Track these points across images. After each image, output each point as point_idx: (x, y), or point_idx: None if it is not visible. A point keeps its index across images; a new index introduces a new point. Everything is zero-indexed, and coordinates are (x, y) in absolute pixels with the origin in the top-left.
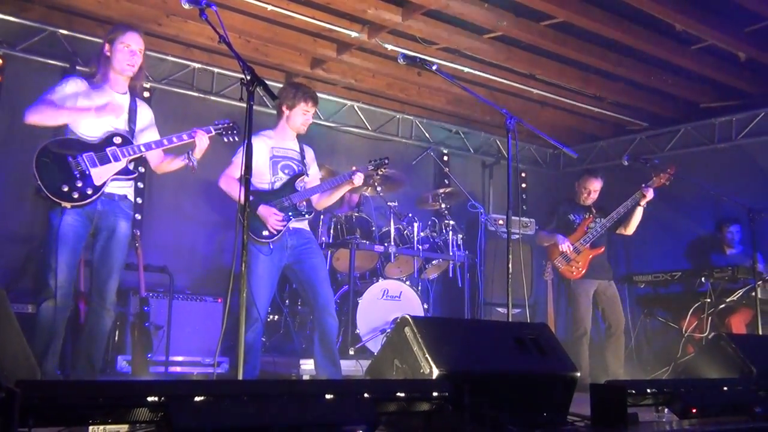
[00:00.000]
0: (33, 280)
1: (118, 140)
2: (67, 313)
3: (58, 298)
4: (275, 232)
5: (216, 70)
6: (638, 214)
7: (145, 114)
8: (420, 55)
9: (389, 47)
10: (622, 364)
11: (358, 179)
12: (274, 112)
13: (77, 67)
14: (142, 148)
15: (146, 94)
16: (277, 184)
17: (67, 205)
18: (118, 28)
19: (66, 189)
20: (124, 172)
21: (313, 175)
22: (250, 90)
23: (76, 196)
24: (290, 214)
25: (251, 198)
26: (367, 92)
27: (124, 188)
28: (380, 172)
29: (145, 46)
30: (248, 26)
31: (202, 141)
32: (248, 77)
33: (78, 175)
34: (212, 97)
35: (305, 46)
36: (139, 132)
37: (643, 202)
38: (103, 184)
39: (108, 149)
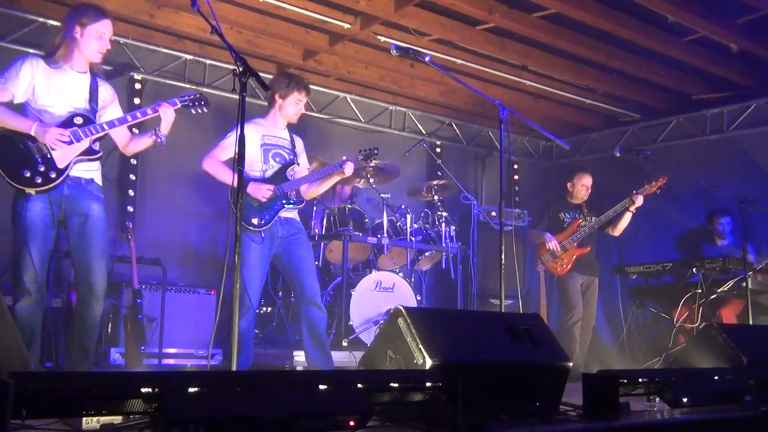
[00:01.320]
0: None
1: (79, 120)
2: (43, 305)
3: (33, 293)
4: (263, 200)
5: (208, 61)
6: (627, 218)
7: (107, 92)
8: (413, 46)
9: (382, 38)
10: (585, 354)
11: (349, 169)
12: (266, 102)
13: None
14: (105, 127)
15: (137, 86)
16: (269, 173)
17: (32, 191)
18: (89, 13)
19: (28, 174)
20: (88, 152)
21: (303, 164)
22: (242, 81)
23: (39, 180)
24: (282, 202)
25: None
26: (360, 84)
27: (91, 171)
28: (371, 163)
29: (138, 38)
30: (240, 17)
31: (168, 114)
32: (240, 68)
33: (40, 160)
34: (204, 89)
35: (297, 37)
36: (101, 110)
37: (633, 208)
38: (67, 167)
39: (69, 129)
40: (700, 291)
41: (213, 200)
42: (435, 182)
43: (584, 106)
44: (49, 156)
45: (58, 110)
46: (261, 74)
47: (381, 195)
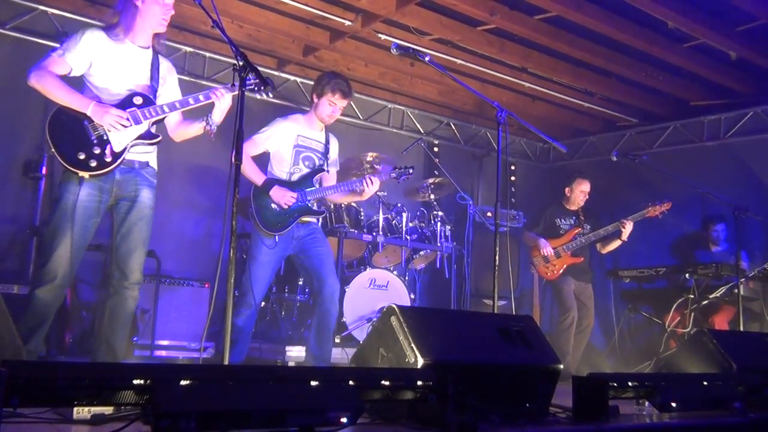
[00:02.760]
0: (18, 260)
1: (138, 100)
2: (64, 293)
3: (59, 279)
4: (285, 206)
5: (208, 54)
6: (616, 244)
7: (167, 70)
8: (413, 45)
9: (382, 37)
10: (579, 357)
11: (369, 187)
12: (266, 98)
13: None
14: (165, 109)
15: None
16: (295, 176)
17: (85, 175)
18: None
19: (83, 157)
20: (147, 136)
21: (333, 172)
22: (242, 76)
23: (93, 164)
24: (303, 209)
25: (264, 181)
26: (360, 81)
27: (147, 154)
28: (400, 182)
29: None
30: (241, 11)
31: (224, 100)
32: (240, 63)
33: (96, 141)
34: (204, 82)
35: (298, 33)
36: (161, 88)
37: (624, 237)
38: (124, 150)
39: (128, 110)
40: (692, 296)
41: (209, 193)
42: (431, 181)
43: (582, 109)
44: (105, 138)
45: (118, 87)
46: (261, 69)
47: (377, 193)
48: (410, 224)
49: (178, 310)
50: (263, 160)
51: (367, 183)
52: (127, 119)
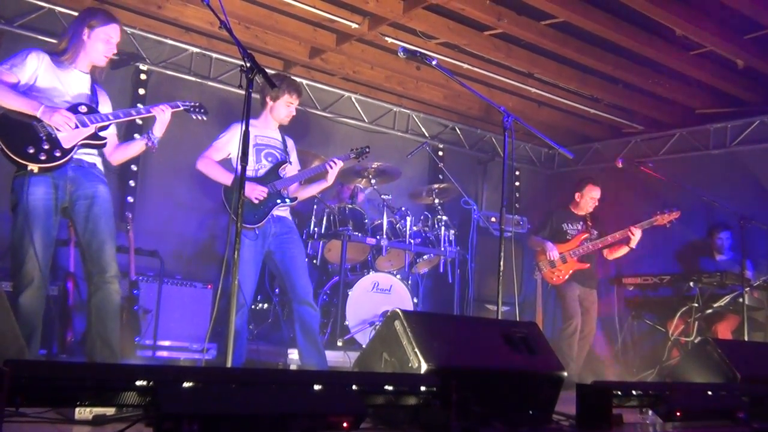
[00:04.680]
0: None
1: (83, 109)
2: (45, 294)
3: (36, 282)
4: (256, 201)
5: (214, 55)
6: (623, 251)
7: (103, 97)
8: (420, 49)
9: (389, 40)
10: (581, 364)
11: (332, 172)
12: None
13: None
14: (110, 117)
15: (142, 77)
16: (261, 172)
17: (34, 167)
18: (99, 16)
19: (32, 151)
20: (94, 137)
21: (294, 163)
22: (249, 78)
23: (43, 158)
24: (277, 201)
25: (233, 179)
26: (365, 84)
27: (93, 157)
28: (362, 161)
29: (145, 28)
30: (249, 12)
31: (164, 115)
32: (248, 65)
33: (44, 138)
34: (209, 83)
35: (305, 35)
36: (99, 107)
37: (633, 244)
38: (72, 148)
39: (75, 116)
40: (696, 305)
41: (213, 194)
42: (436, 185)
43: (588, 115)
44: (54, 136)
45: (60, 101)
46: (266, 71)
47: (382, 196)
48: (414, 228)
49: (181, 311)
50: (228, 164)
51: (330, 165)
52: (75, 122)
